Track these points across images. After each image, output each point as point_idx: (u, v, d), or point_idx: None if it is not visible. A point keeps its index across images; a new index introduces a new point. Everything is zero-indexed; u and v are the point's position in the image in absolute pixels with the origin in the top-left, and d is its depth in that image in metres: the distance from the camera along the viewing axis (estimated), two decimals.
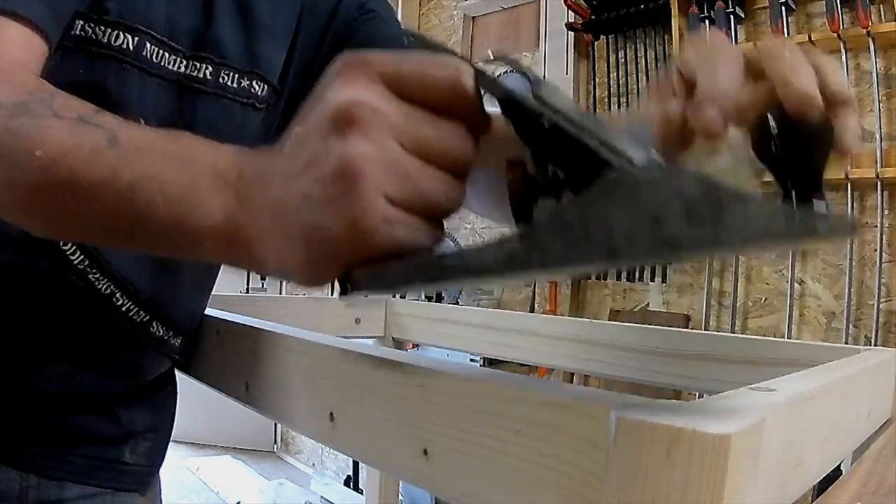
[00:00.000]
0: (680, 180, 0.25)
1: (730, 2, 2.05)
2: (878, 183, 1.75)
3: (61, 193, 0.36)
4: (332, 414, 0.45)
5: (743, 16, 2.07)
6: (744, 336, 0.76)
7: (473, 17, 3.15)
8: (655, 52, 2.30)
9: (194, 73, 0.60)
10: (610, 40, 2.45)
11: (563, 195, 0.30)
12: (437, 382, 0.38)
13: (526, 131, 0.31)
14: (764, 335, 1.94)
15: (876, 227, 1.78)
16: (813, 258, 1.94)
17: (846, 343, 1.79)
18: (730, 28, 2.05)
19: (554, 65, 2.60)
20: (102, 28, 0.54)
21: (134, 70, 0.55)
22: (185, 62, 0.59)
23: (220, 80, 0.61)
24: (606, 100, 2.46)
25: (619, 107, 2.41)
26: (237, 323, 0.63)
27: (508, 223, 0.33)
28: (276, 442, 4.07)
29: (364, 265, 0.30)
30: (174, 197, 0.34)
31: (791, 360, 0.65)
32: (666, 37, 2.24)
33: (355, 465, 3.20)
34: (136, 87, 0.56)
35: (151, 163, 0.35)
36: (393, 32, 0.73)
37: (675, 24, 2.16)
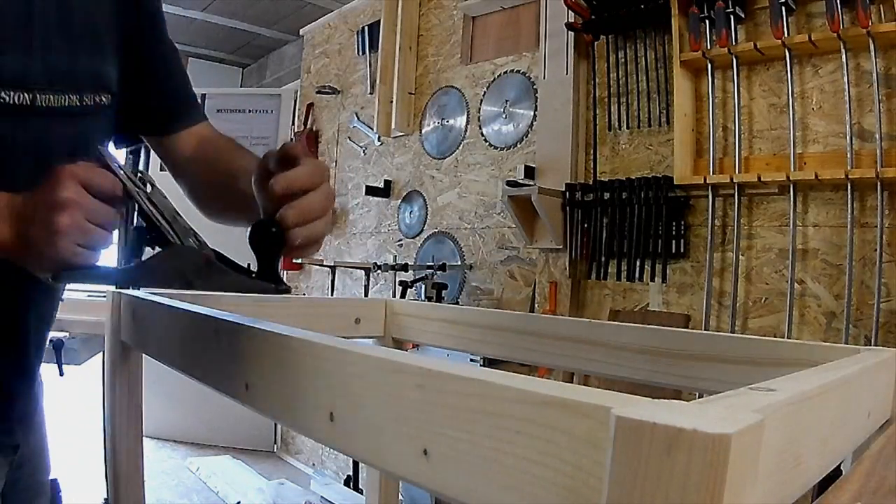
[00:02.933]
0: (193, 255, 0.60)
1: (730, 2, 2.05)
2: (878, 183, 1.75)
3: None
4: (332, 414, 0.45)
5: (743, 16, 2.07)
6: (744, 336, 0.76)
7: (473, 17, 3.15)
8: (655, 52, 2.30)
9: (69, 104, 0.78)
10: (610, 40, 2.44)
11: (154, 246, 0.62)
12: (437, 382, 0.38)
13: (142, 215, 0.63)
14: (764, 335, 1.94)
15: (876, 227, 1.78)
16: (813, 258, 1.94)
17: (846, 343, 1.79)
18: (730, 28, 2.05)
19: (554, 65, 2.60)
20: (7, 91, 0.71)
21: (29, 122, 0.74)
22: (62, 97, 0.78)
23: (84, 102, 0.80)
24: (606, 100, 2.46)
25: (619, 106, 2.42)
26: (237, 323, 0.63)
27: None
28: (276, 442, 4.07)
29: (65, 269, 0.61)
30: None
31: (791, 360, 0.65)
32: (666, 37, 2.23)
33: (355, 465, 3.20)
34: (41, 129, 0.75)
35: None
36: (162, 27, 0.96)
37: (675, 24, 2.16)
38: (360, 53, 3.72)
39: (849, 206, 1.82)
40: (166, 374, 0.80)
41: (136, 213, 0.63)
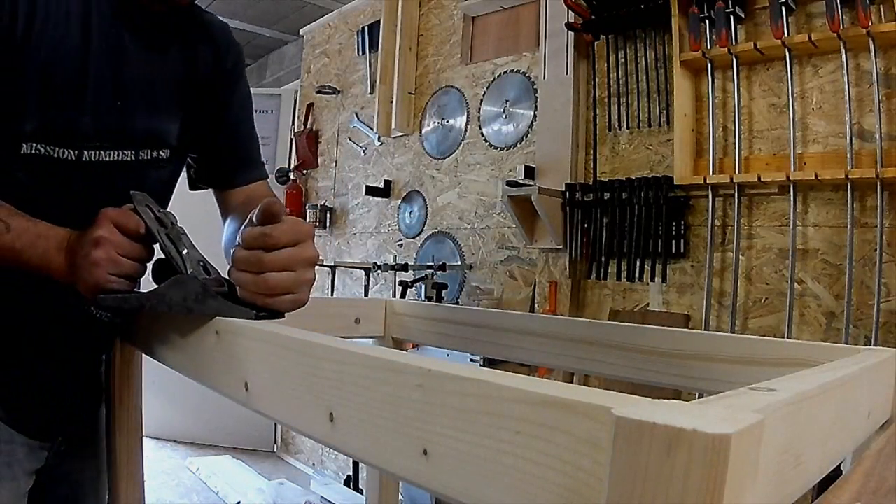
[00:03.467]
0: (194, 284, 0.68)
1: (730, 2, 2.04)
2: (878, 183, 1.75)
3: None
4: (331, 414, 0.45)
5: (743, 16, 2.06)
6: (744, 336, 0.76)
7: (473, 18, 3.15)
8: (655, 52, 2.30)
9: (122, 159, 0.87)
10: (610, 40, 2.44)
11: (170, 276, 0.70)
12: (437, 382, 0.38)
13: (162, 250, 0.72)
14: (764, 335, 1.94)
15: (876, 227, 1.78)
16: (813, 258, 1.94)
17: (846, 343, 1.79)
18: (729, 28, 2.05)
19: (554, 65, 2.60)
20: (52, 147, 0.80)
21: (78, 173, 0.83)
22: (114, 153, 0.86)
23: (140, 157, 0.89)
24: (606, 100, 2.46)
25: (619, 106, 2.41)
26: (237, 323, 0.63)
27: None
28: (276, 442, 4.06)
29: (101, 293, 0.70)
30: (40, 255, 0.73)
31: (791, 360, 0.65)
32: (666, 37, 2.23)
33: (355, 465, 3.20)
34: (84, 182, 0.84)
35: (28, 238, 0.73)
36: (239, 89, 1.05)
37: (675, 24, 2.15)
38: (360, 53, 3.72)
39: (849, 206, 1.82)
40: (166, 374, 0.80)
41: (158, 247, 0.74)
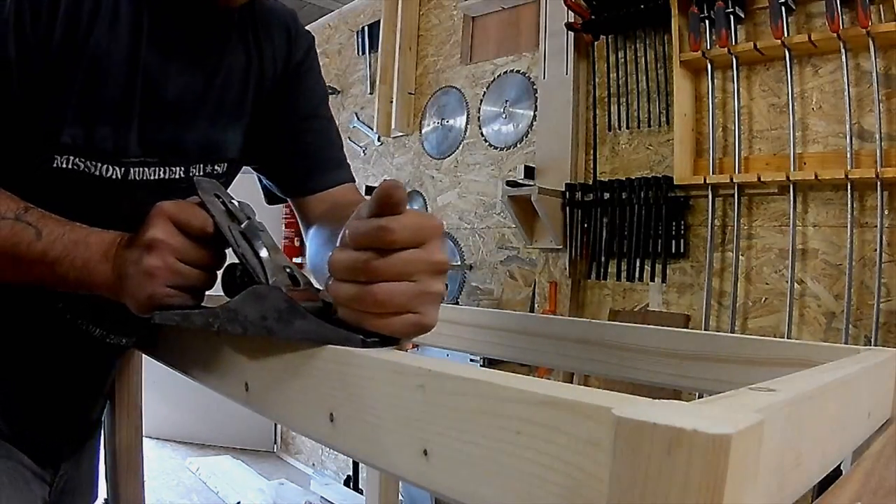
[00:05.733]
0: (277, 298, 0.51)
1: (730, 2, 2.04)
2: (878, 183, 1.75)
3: (13, 267, 0.62)
4: (332, 414, 0.45)
5: (743, 16, 2.06)
6: (744, 336, 0.75)
7: (473, 18, 3.15)
8: (655, 52, 2.30)
9: (171, 177, 0.77)
10: (610, 40, 2.44)
11: (246, 287, 0.54)
12: (437, 382, 0.38)
13: (234, 252, 0.57)
14: (764, 335, 1.94)
15: (876, 227, 1.78)
16: (813, 258, 1.94)
17: (846, 343, 1.79)
18: (729, 28, 2.05)
19: (554, 65, 2.60)
20: (94, 163, 0.70)
21: (120, 192, 0.73)
22: (161, 170, 0.76)
23: (190, 174, 0.79)
24: (606, 100, 2.46)
25: (619, 106, 2.41)
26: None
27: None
28: (276, 442, 4.06)
29: (159, 310, 0.58)
30: (79, 267, 0.60)
31: (791, 360, 0.65)
32: (666, 37, 2.23)
33: (355, 465, 3.20)
34: (126, 203, 0.73)
35: (64, 247, 0.60)
36: (312, 83, 0.92)
37: (675, 24, 2.15)
38: (360, 53, 3.72)
39: (849, 206, 1.82)
40: (166, 374, 0.80)
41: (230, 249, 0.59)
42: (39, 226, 0.60)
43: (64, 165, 0.69)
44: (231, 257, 0.58)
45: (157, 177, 0.75)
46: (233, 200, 0.60)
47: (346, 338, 0.47)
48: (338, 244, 0.50)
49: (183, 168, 0.78)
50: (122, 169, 0.72)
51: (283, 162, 0.89)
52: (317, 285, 0.58)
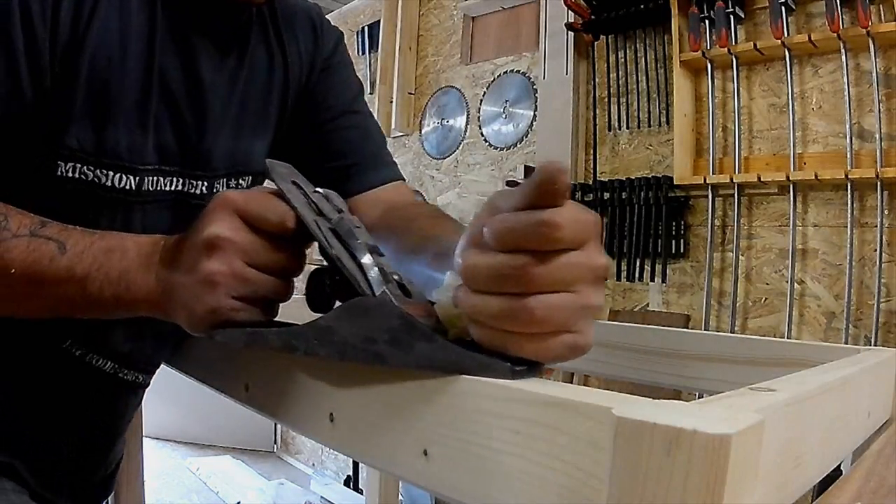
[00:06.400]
0: (389, 314, 0.39)
1: (730, 2, 2.04)
2: (878, 183, 1.75)
3: (34, 291, 0.52)
4: (332, 414, 0.45)
5: (743, 16, 2.06)
6: (744, 336, 0.76)
7: (473, 18, 3.15)
8: (655, 52, 2.30)
9: (190, 190, 0.69)
10: (610, 40, 2.44)
11: (341, 298, 0.44)
12: (437, 382, 0.38)
13: (323, 254, 0.46)
14: (764, 335, 1.94)
15: (876, 227, 1.78)
16: (813, 258, 1.94)
17: (846, 343, 1.79)
18: (729, 28, 2.05)
19: (554, 65, 2.60)
20: (104, 171, 0.61)
21: (135, 209, 0.65)
22: (178, 181, 0.67)
23: (214, 190, 0.70)
24: (606, 100, 2.46)
25: (619, 106, 2.41)
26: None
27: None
28: (276, 442, 4.06)
29: (221, 327, 0.47)
30: (114, 280, 0.50)
31: (791, 360, 0.65)
32: (666, 37, 2.23)
33: (355, 465, 3.20)
34: (138, 221, 0.65)
35: (94, 258, 0.50)
36: (344, 77, 0.84)
37: (675, 24, 2.15)
38: (360, 53, 3.72)
39: (849, 206, 1.82)
40: (166, 374, 0.80)
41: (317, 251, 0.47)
42: (62, 238, 0.51)
43: (69, 174, 0.60)
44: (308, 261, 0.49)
45: (173, 187, 0.66)
46: (316, 190, 0.49)
47: (488, 365, 0.36)
48: (465, 244, 0.39)
49: (206, 183, 0.69)
50: (137, 178, 0.63)
51: (318, 165, 0.78)
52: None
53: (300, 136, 0.79)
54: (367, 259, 0.43)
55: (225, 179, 0.71)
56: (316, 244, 0.47)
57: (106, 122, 0.61)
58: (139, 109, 0.63)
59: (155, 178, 0.65)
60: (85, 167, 0.60)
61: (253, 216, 0.46)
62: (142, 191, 0.64)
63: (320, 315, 0.43)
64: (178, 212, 0.67)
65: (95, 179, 0.61)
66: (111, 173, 0.61)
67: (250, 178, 0.74)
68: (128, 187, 0.63)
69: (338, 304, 0.44)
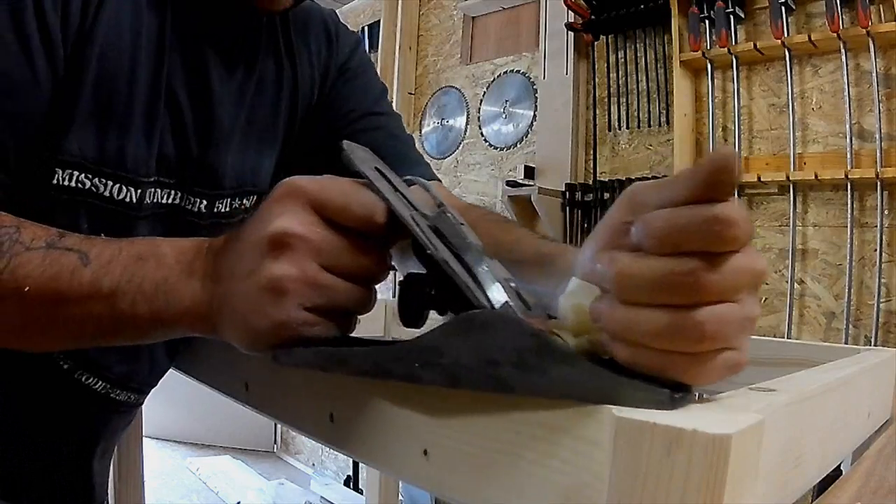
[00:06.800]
0: (516, 333, 0.31)
1: (730, 2, 2.04)
2: (878, 183, 1.75)
3: (53, 313, 0.43)
4: (332, 414, 0.45)
5: (743, 16, 2.07)
6: None
7: (473, 17, 3.15)
8: (655, 52, 2.30)
9: (188, 206, 0.63)
10: (610, 40, 2.44)
11: (445, 311, 0.37)
12: None
13: (422, 256, 0.37)
14: (764, 335, 1.94)
15: (876, 227, 1.78)
16: (813, 258, 1.94)
17: (846, 343, 1.79)
18: (729, 28, 2.05)
19: (554, 65, 2.60)
20: (103, 181, 0.56)
21: (135, 219, 0.59)
22: (177, 194, 0.62)
23: (215, 209, 0.65)
24: (606, 100, 2.46)
25: (619, 106, 2.41)
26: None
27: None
28: (276, 442, 4.06)
29: (288, 345, 0.38)
30: (149, 294, 0.41)
31: (791, 360, 0.65)
32: (666, 37, 2.23)
33: (355, 465, 3.20)
34: (136, 234, 0.59)
35: (123, 269, 0.42)
36: (363, 81, 0.79)
37: (675, 24, 2.15)
38: None
39: (849, 206, 1.82)
40: (166, 373, 0.80)
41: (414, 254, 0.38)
42: (84, 248, 0.43)
43: (65, 182, 0.55)
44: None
45: (170, 201, 0.62)
46: (406, 177, 0.41)
47: (646, 393, 0.29)
48: (600, 245, 0.34)
49: (206, 201, 0.64)
50: (139, 191, 0.58)
51: (344, 172, 0.72)
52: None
53: (319, 146, 0.73)
54: (482, 266, 0.35)
55: (229, 199, 0.66)
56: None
57: (110, 128, 0.56)
58: (146, 118, 0.58)
59: (153, 191, 0.60)
60: (83, 175, 0.55)
61: (333, 208, 0.37)
62: (143, 204, 0.59)
63: (432, 330, 0.35)
64: (171, 228, 0.62)
65: (93, 189, 0.56)
66: (111, 183, 0.57)
67: (255, 198, 0.69)
68: (128, 199, 0.58)
69: (431, 315, 0.37)
